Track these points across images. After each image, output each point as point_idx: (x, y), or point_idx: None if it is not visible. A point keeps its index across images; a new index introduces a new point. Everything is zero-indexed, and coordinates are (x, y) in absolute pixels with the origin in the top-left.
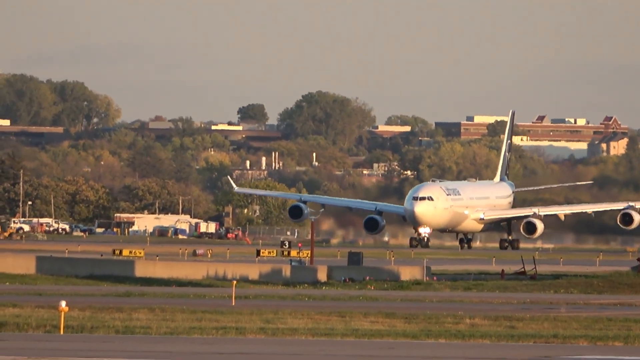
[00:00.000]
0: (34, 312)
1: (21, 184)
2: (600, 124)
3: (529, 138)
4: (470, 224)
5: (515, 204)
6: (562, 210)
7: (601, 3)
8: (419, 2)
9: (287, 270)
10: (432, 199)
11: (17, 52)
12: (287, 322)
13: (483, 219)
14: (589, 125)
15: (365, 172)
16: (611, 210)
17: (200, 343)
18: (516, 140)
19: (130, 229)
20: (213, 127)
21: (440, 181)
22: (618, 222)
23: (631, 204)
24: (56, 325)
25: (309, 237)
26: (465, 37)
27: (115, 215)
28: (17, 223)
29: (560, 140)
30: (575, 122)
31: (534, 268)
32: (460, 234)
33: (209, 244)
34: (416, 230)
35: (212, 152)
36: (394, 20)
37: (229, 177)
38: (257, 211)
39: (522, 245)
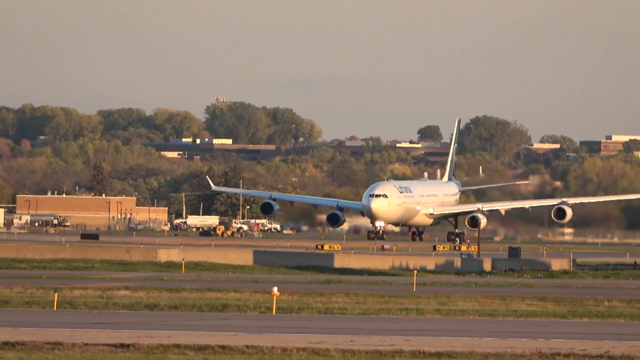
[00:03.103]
0: (251, 296)
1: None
2: None
3: None
4: (421, 218)
5: None
6: (503, 206)
7: None
8: (566, 34)
9: (458, 262)
10: (386, 196)
11: (238, 83)
12: (458, 305)
13: (433, 214)
14: None
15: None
16: (548, 205)
17: (388, 322)
18: None
19: (329, 228)
20: (397, 145)
21: (393, 180)
22: (552, 216)
23: (564, 199)
24: (269, 307)
25: (477, 235)
26: (607, 65)
27: (317, 216)
28: (237, 224)
29: None
30: None
31: None
32: (412, 227)
33: (394, 240)
34: (373, 224)
35: (397, 166)
36: (547, 51)
37: (207, 177)
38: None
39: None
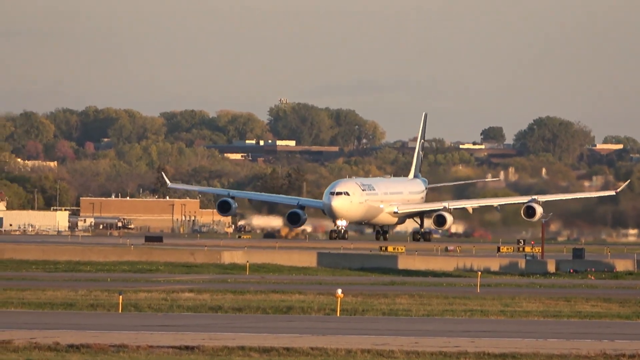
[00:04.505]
0: (315, 298)
1: (304, 193)
2: None
3: None
4: (385, 217)
5: None
6: (470, 204)
7: None
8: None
9: (522, 263)
10: (348, 194)
11: (301, 85)
12: (523, 306)
13: (397, 212)
14: None
15: (586, 183)
16: (518, 203)
17: (452, 323)
18: None
19: (393, 230)
20: (461, 146)
21: (355, 178)
22: (522, 215)
23: (534, 197)
24: (333, 308)
25: (540, 236)
26: None
27: None
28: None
29: None
30: None
31: None
32: (376, 226)
33: (458, 241)
34: (335, 223)
35: (460, 167)
36: (611, 51)
37: (162, 173)
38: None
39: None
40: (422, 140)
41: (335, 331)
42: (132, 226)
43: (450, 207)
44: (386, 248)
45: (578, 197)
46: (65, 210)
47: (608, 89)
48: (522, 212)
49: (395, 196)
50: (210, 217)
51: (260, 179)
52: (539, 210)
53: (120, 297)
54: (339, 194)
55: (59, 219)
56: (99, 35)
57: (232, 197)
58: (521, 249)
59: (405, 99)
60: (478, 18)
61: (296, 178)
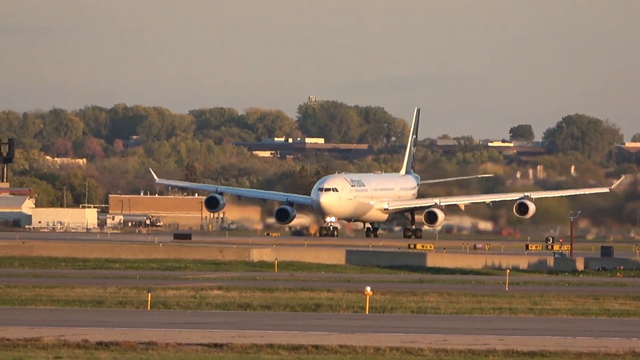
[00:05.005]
0: (344, 295)
1: None
2: None
3: None
4: (375, 213)
5: None
6: (462, 201)
7: None
8: None
9: (550, 261)
10: (336, 190)
11: (330, 82)
12: (551, 304)
13: (387, 209)
14: None
15: (614, 181)
16: (510, 200)
17: (480, 321)
18: None
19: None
20: (489, 144)
21: (345, 173)
22: (514, 212)
23: (527, 194)
24: (362, 306)
25: (569, 234)
26: None
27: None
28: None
29: None
30: None
31: None
32: (366, 223)
33: (487, 239)
34: (324, 220)
35: (489, 165)
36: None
37: (149, 168)
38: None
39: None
40: (414, 136)
41: (363, 329)
42: (160, 223)
43: (441, 204)
44: (415, 246)
45: (572, 194)
46: (94, 207)
47: (637, 87)
48: (514, 209)
49: (386, 192)
50: (238, 214)
51: (289, 177)
52: (532, 207)
53: (149, 294)
54: (327, 190)
55: (88, 216)
56: (129, 33)
57: (221, 193)
58: (550, 247)
59: (434, 97)
60: (508, 15)
61: (325, 175)
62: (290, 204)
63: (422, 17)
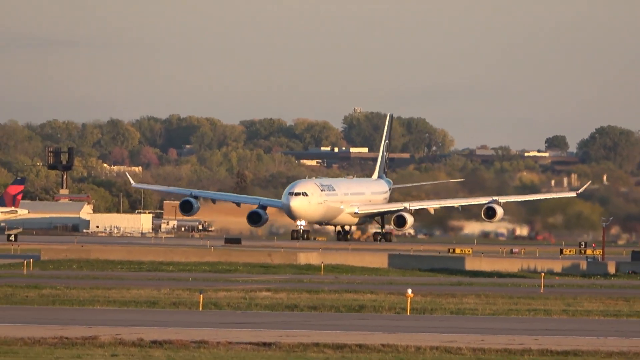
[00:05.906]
0: (386, 297)
1: None
2: None
3: None
4: (346, 217)
5: None
6: (431, 205)
7: None
8: None
9: (583, 265)
10: (306, 194)
11: (374, 93)
12: (584, 306)
13: (358, 213)
14: None
15: None
16: (478, 204)
17: (516, 322)
18: None
19: (461, 233)
20: (525, 154)
21: (315, 178)
22: (482, 216)
23: (495, 198)
24: (404, 307)
25: (601, 239)
26: None
27: (449, 222)
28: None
29: None
30: None
31: None
32: (337, 226)
33: (523, 244)
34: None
35: (525, 174)
36: None
37: (127, 173)
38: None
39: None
40: (387, 141)
41: (405, 329)
42: (212, 228)
43: (410, 208)
44: (454, 250)
45: (541, 197)
46: (149, 213)
47: None
48: (482, 213)
49: (356, 197)
50: (286, 219)
51: None
52: (500, 211)
53: (201, 295)
54: (297, 194)
55: (143, 221)
56: (182, 47)
57: (195, 197)
58: (583, 251)
59: (474, 108)
60: (544, 28)
61: None
62: (263, 207)
63: (463, 32)
